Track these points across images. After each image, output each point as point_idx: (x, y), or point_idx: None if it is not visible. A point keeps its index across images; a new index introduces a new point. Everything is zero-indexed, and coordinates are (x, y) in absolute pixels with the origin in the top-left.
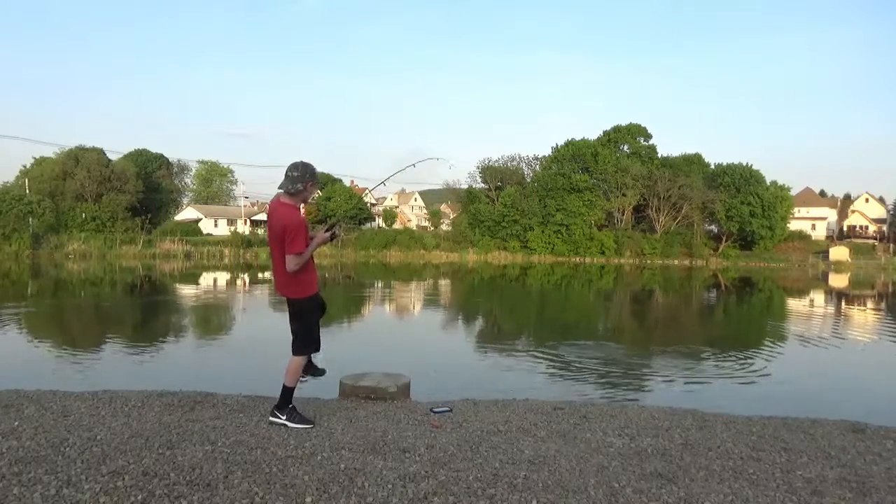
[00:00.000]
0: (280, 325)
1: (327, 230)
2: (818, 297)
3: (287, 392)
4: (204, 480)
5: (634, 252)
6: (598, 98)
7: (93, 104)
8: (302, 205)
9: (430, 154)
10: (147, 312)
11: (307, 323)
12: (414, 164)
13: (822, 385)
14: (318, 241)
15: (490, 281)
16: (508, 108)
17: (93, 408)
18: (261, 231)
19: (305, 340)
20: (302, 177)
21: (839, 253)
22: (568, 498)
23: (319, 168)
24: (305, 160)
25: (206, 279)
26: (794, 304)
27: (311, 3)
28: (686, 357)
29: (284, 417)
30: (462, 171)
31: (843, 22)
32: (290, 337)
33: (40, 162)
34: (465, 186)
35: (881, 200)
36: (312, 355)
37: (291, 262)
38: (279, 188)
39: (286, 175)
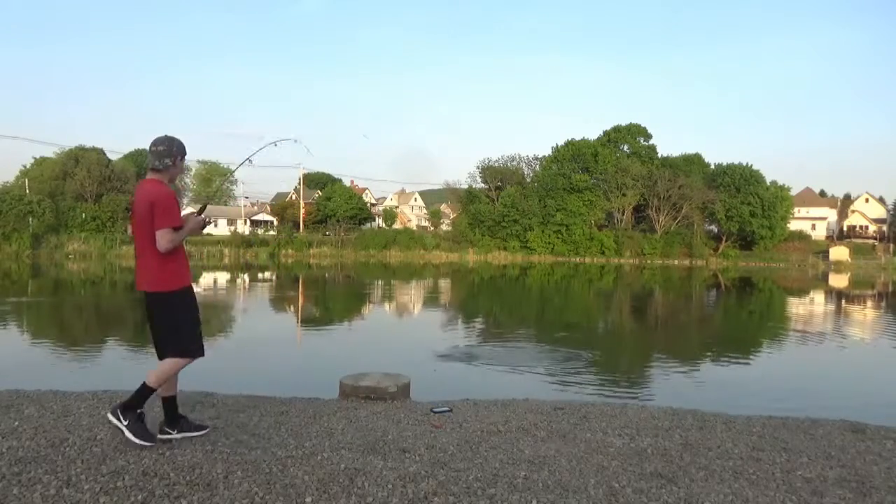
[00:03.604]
0: (281, 324)
1: (199, 213)
2: (818, 297)
3: (144, 393)
4: (204, 480)
5: (634, 252)
6: (598, 98)
7: (93, 104)
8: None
9: (430, 154)
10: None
11: (185, 317)
12: (275, 143)
13: (822, 385)
14: (191, 225)
15: (490, 281)
16: (508, 108)
17: (93, 408)
18: (261, 231)
19: (185, 336)
20: (169, 151)
21: (839, 253)
22: (568, 498)
23: (319, 168)
24: (171, 135)
25: (206, 279)
26: (794, 305)
27: (312, 5)
28: (686, 357)
29: (126, 423)
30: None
31: (844, 22)
32: (289, 336)
33: (40, 162)
34: (465, 186)
35: (881, 200)
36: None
37: (164, 239)
38: (146, 166)
39: (150, 150)
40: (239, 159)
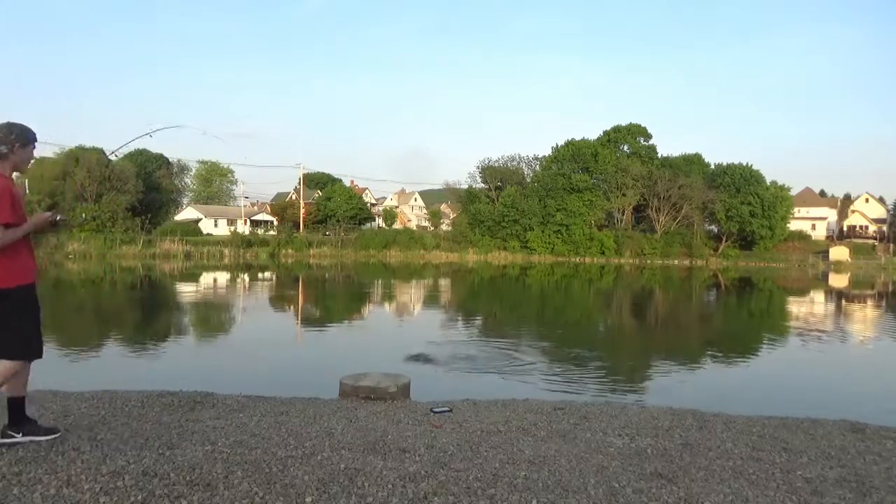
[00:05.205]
0: (281, 323)
1: (49, 209)
2: (818, 297)
3: (17, 403)
4: (204, 480)
5: (634, 252)
6: (598, 98)
7: (93, 104)
8: (14, 174)
9: (430, 154)
10: (147, 312)
11: (27, 317)
12: (150, 135)
13: (822, 385)
14: (35, 222)
15: (490, 281)
16: (508, 108)
17: (93, 408)
18: (261, 231)
19: (24, 339)
20: (6, 138)
21: (839, 253)
22: (568, 498)
23: (319, 168)
24: (14, 121)
25: (206, 279)
26: (794, 305)
27: (312, 6)
28: (686, 357)
29: (21, 434)
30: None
31: (843, 22)
32: (289, 336)
33: (40, 162)
34: (465, 186)
35: (881, 200)
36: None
37: None
38: None
39: None
40: (238, 158)
